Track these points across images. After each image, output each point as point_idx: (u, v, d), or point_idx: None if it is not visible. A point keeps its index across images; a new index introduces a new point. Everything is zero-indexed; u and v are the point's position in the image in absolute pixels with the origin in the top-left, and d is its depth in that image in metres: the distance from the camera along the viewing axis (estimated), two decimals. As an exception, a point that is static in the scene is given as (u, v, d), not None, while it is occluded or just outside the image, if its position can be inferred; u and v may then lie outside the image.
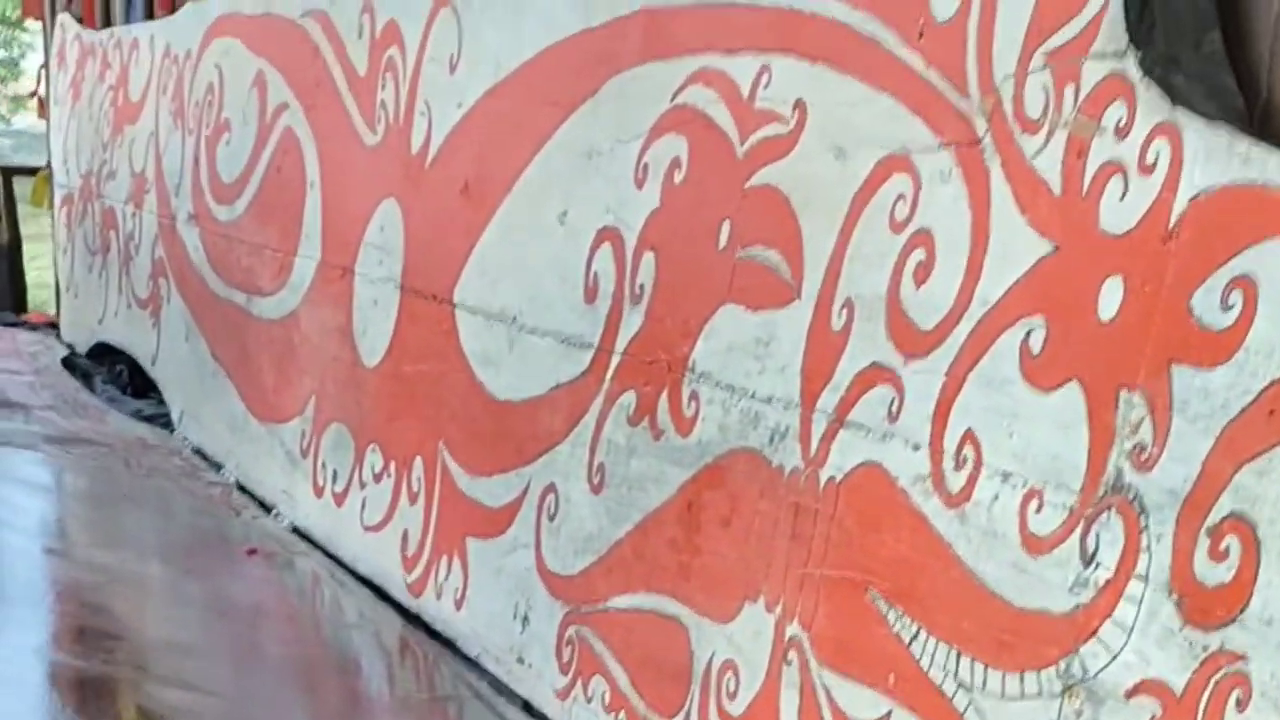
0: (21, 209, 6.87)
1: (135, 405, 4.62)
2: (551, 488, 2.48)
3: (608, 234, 2.37)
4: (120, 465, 3.81)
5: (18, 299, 6.72)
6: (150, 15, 5.15)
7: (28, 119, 20.11)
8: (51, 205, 6.26)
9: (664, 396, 2.22)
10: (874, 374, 1.82)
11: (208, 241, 4.10)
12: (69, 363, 5.19)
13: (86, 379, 5.05)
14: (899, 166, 1.81)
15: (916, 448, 1.74)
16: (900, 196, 1.80)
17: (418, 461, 2.94)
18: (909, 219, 1.79)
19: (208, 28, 4.23)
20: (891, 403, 1.78)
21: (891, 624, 1.76)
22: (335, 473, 3.29)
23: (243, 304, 3.83)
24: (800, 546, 1.92)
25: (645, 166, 2.29)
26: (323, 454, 3.37)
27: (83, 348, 5.34)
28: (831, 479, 1.86)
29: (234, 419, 3.90)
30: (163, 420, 4.41)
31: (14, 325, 5.81)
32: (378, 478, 3.11)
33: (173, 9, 4.87)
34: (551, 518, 2.48)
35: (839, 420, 1.86)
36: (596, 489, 2.36)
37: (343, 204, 3.32)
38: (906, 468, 1.75)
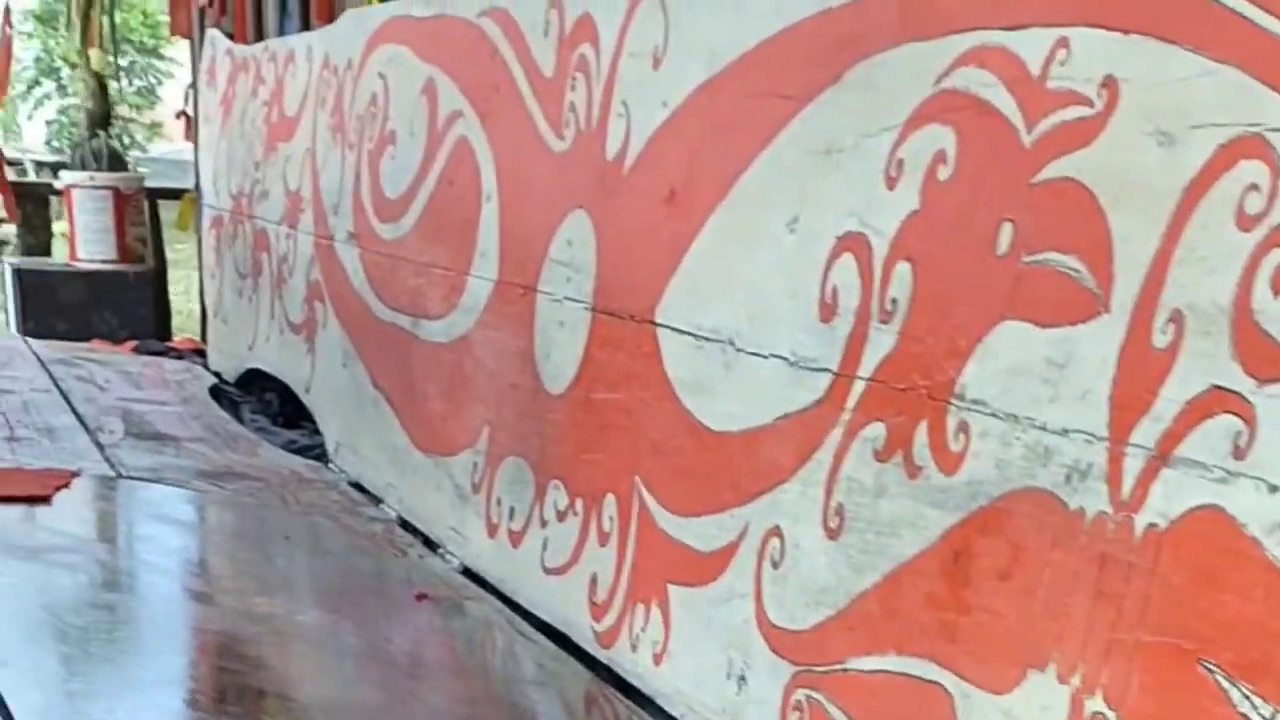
0: (166, 233, 6.67)
1: (287, 436, 4.37)
2: (776, 531, 2.18)
3: (850, 242, 2.07)
4: (276, 501, 3.55)
5: (162, 325, 6.53)
6: (306, 26, 4.92)
7: (165, 146, 20.26)
8: (198, 229, 6.06)
9: (922, 428, 1.91)
10: (1213, 400, 1.50)
11: (369, 262, 3.84)
12: (217, 392, 4.96)
13: (235, 408, 4.82)
14: (1249, 151, 1.49)
15: (1274, 489, 1.41)
16: (1252, 187, 1.48)
17: (610, 499, 2.65)
18: (1264, 214, 1.47)
19: (371, 35, 3.98)
20: (1238, 435, 1.46)
21: (1235, 703, 1.44)
22: (512, 510, 3.01)
23: (408, 328, 3.56)
24: (1108, 606, 1.61)
25: (900, 163, 1.99)
26: (497, 489, 3.09)
27: (231, 376, 5.11)
28: (1152, 526, 1.55)
29: (396, 451, 3.63)
30: (316, 452, 4.17)
31: (159, 353, 5.58)
32: (562, 516, 2.82)
33: (330, 18, 4.64)
34: (776, 565, 2.18)
35: (1163, 456, 1.55)
36: (833, 534, 2.05)
37: (524, 217, 3.04)
38: (1259, 513, 1.43)
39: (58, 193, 6.64)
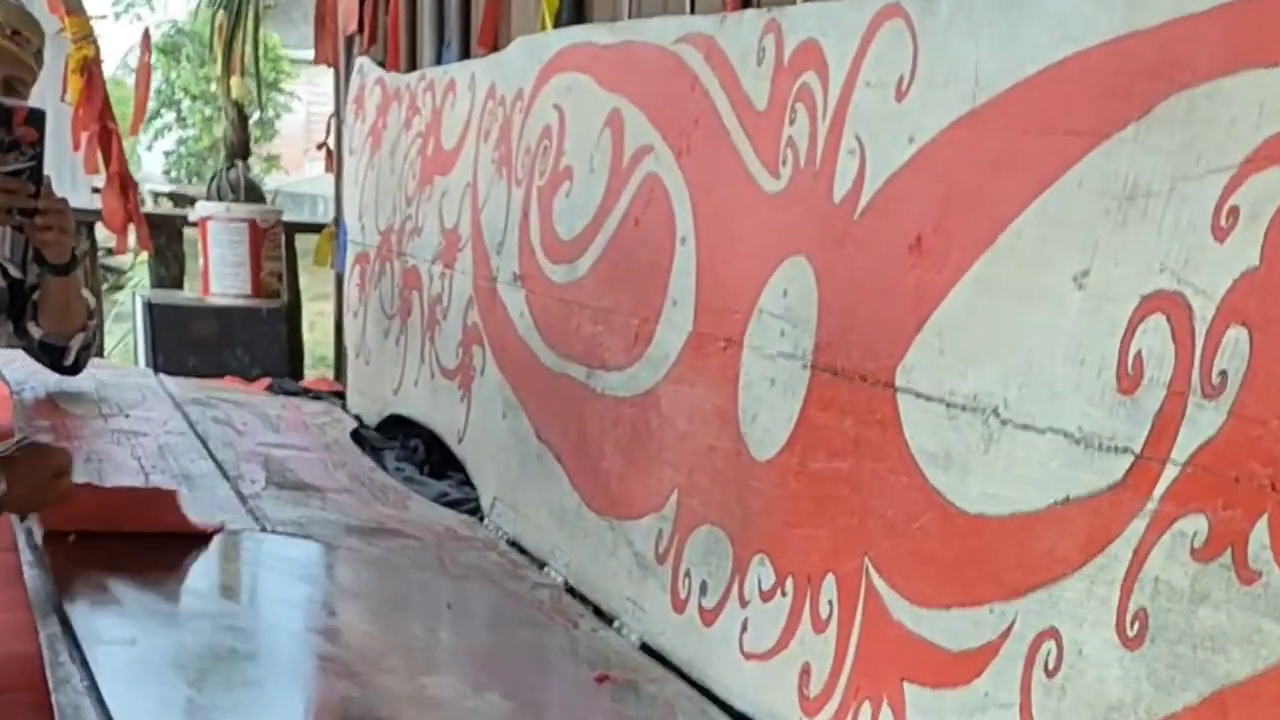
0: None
1: (437, 488, 4.10)
2: (1052, 633, 1.88)
3: (1161, 301, 1.77)
4: (432, 562, 3.27)
5: (294, 362, 6.30)
6: (466, 54, 4.67)
7: (281, 179, 20.26)
8: (336, 265, 5.83)
9: (1261, 525, 1.60)
10: None
11: (537, 306, 3.57)
12: (358, 436, 4.68)
13: (377, 455, 4.55)
14: None
15: None
16: None
17: (829, 580, 2.36)
18: None
19: (545, 63, 3.72)
20: None
21: None
22: (704, 584, 2.72)
23: (581, 379, 3.28)
24: None
25: (1232, 212, 1.68)
26: (687, 560, 2.80)
27: (372, 420, 4.85)
28: None
29: (564, 510, 3.35)
30: (469, 506, 3.89)
31: (295, 393, 5.32)
32: (767, 595, 2.53)
33: (494, 46, 4.39)
34: (1050, 673, 1.88)
35: None
36: (1132, 643, 1.75)
37: (728, 263, 2.76)
38: None
39: (191, 224, 6.43)
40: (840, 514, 2.36)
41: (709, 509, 2.74)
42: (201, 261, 6.25)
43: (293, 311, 6.41)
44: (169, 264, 6.70)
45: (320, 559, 3.21)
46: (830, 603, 2.36)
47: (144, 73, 6.36)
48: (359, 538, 3.40)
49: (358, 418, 4.96)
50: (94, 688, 2.23)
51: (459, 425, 4.06)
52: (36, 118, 3.62)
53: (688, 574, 2.80)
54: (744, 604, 2.60)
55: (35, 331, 4.05)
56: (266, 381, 5.69)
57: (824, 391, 2.42)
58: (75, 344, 4.11)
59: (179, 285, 6.76)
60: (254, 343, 6.16)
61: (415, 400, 4.49)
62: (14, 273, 4.07)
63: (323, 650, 2.69)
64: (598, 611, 3.17)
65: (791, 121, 2.61)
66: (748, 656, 2.58)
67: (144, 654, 2.47)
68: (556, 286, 3.48)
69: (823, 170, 2.50)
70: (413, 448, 4.52)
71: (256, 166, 21.40)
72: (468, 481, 4.15)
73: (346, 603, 3.01)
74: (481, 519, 3.82)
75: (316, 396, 5.31)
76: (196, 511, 3.25)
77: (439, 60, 4.93)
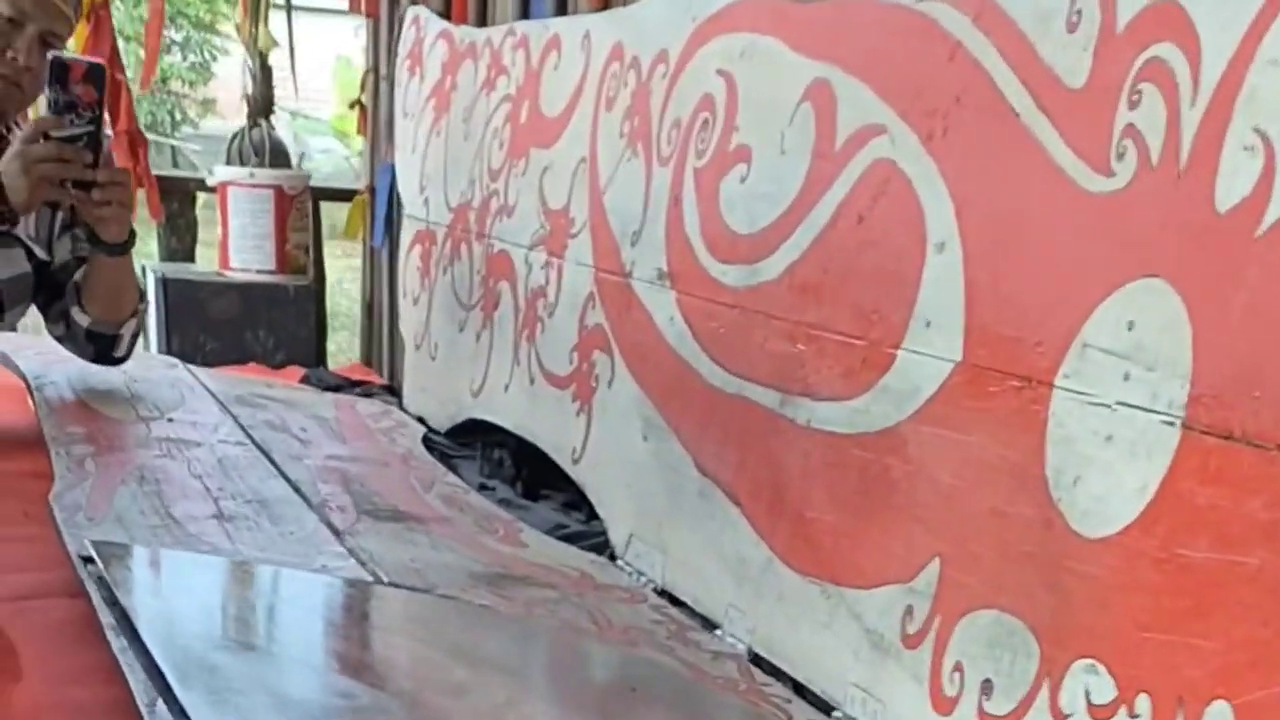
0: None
1: (545, 514, 3.51)
2: None
3: None
4: (586, 622, 2.68)
5: (321, 347, 5.67)
6: (563, 9, 4.05)
7: (218, 124, 19.58)
8: (372, 238, 5.21)
9: None
10: None
11: (697, 312, 2.98)
12: (427, 444, 4.07)
13: (448, 463, 3.95)
14: None
15: None
16: None
17: (1219, 709, 1.77)
18: None
19: (703, 20, 3.13)
20: None
21: None
22: (989, 683, 2.14)
23: (771, 406, 2.70)
24: None
25: None
26: (956, 650, 2.22)
27: (441, 423, 4.25)
28: None
29: (744, 563, 2.77)
30: (592, 541, 3.29)
31: (335, 387, 4.70)
32: (1102, 712, 1.98)
33: (605, 1, 3.77)
34: None
35: None
36: None
37: (1023, 280, 2.18)
38: None
39: (209, 189, 5.77)
40: (1243, 623, 1.77)
41: (996, 590, 2.17)
42: (220, 232, 5.59)
43: (320, 289, 5.76)
44: (180, 234, 6.04)
45: (455, 620, 2.60)
46: (1219, 736, 1.77)
47: (156, 18, 5.69)
48: (488, 588, 2.81)
49: (421, 420, 4.34)
50: None
51: (575, 443, 3.46)
52: (96, 74, 3.04)
53: (958, 668, 2.21)
54: (1060, 718, 2.02)
55: (82, 319, 3.45)
56: (299, 372, 5.07)
57: (1207, 459, 1.84)
58: (127, 331, 3.53)
59: (190, 258, 6.09)
60: (279, 324, 5.52)
61: (505, 407, 3.88)
62: (40, 254, 3.45)
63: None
64: (798, 688, 2.58)
65: (1134, 105, 2.02)
66: (1067, 784, 1.99)
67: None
68: (728, 290, 2.89)
69: (1195, 170, 1.91)
70: (497, 459, 3.93)
71: (192, 110, 20.68)
72: (573, 504, 3.56)
73: (507, 686, 2.40)
74: (612, 557, 3.21)
75: (368, 393, 4.68)
76: (287, 553, 2.68)
77: (526, 13, 4.29)
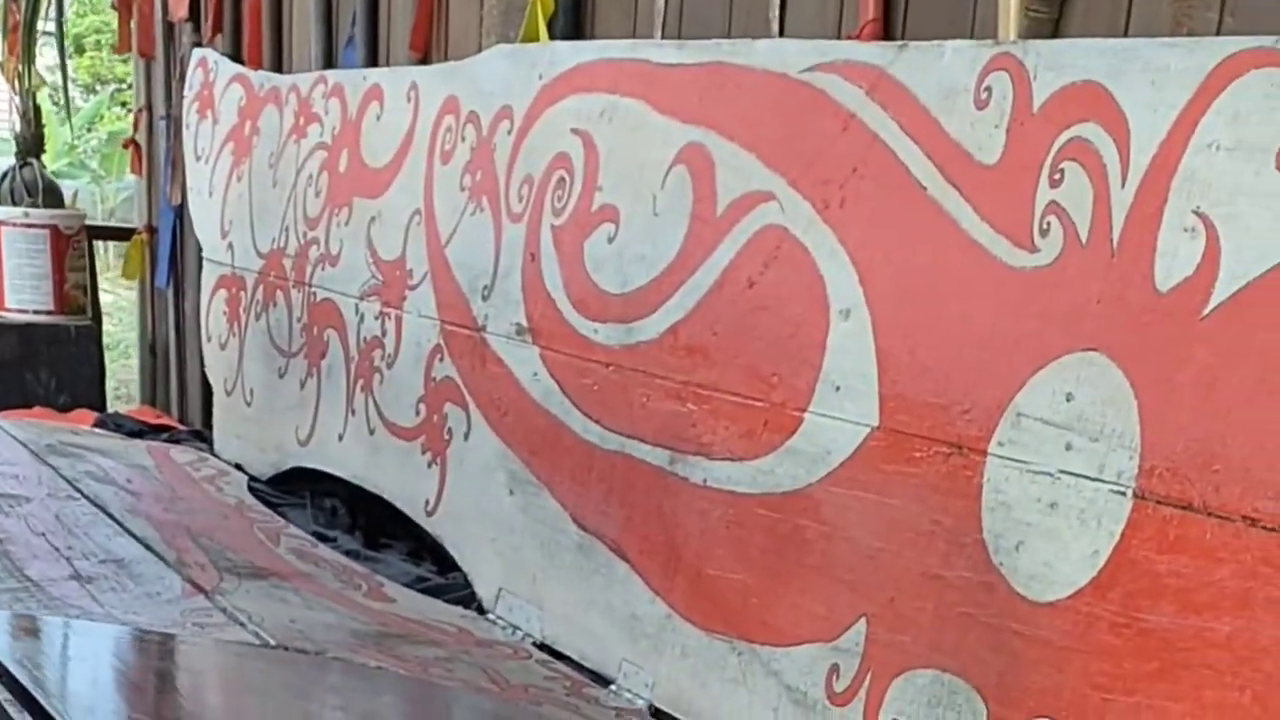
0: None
1: (399, 567, 3.49)
2: None
3: None
4: (484, 681, 2.72)
5: (99, 388, 5.53)
6: (374, 59, 4.02)
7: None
8: (156, 279, 5.10)
9: None
10: None
11: (566, 369, 3.01)
12: (252, 492, 4.02)
13: (276, 512, 3.90)
14: None
15: None
16: None
17: (1190, 767, 1.86)
18: None
19: (551, 80, 3.16)
20: None
21: None
22: (931, 743, 2.20)
23: (660, 463, 2.75)
24: None
25: None
26: (890, 707, 2.32)
27: (264, 471, 4.19)
28: None
29: (635, 617, 2.82)
30: (455, 595, 3.30)
31: (139, 434, 4.60)
32: (1059, 772, 2.02)
33: (426, 51, 3.76)
34: None
35: None
36: None
37: (941, 348, 2.27)
38: None
39: (-25, 230, 5.58)
40: (1213, 687, 1.88)
41: (933, 650, 2.24)
42: (-9, 272, 5.41)
43: (98, 331, 5.62)
44: (-51, 276, 5.81)
45: (363, 686, 2.60)
46: (1195, 798, 1.87)
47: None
48: (376, 648, 2.82)
49: (239, 467, 4.27)
50: None
51: (427, 495, 3.46)
52: None
53: (894, 726, 2.27)
54: (1014, 776, 2.10)
55: None
56: (89, 415, 4.94)
57: (1165, 528, 1.94)
58: None
59: (-40, 300, 5.87)
60: (60, 365, 5.36)
61: (341, 457, 3.85)
62: None
63: None
64: (711, 748, 2.63)
65: (1055, 183, 2.11)
66: (1024, 844, 2.07)
67: None
68: (600, 348, 2.92)
69: (1130, 249, 2.01)
70: (330, 509, 3.89)
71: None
72: (418, 553, 3.56)
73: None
74: (480, 610, 3.22)
75: (175, 439, 4.59)
76: (159, 616, 2.64)
77: (330, 61, 4.24)
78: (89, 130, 10.48)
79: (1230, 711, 1.86)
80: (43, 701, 2.07)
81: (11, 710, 2.10)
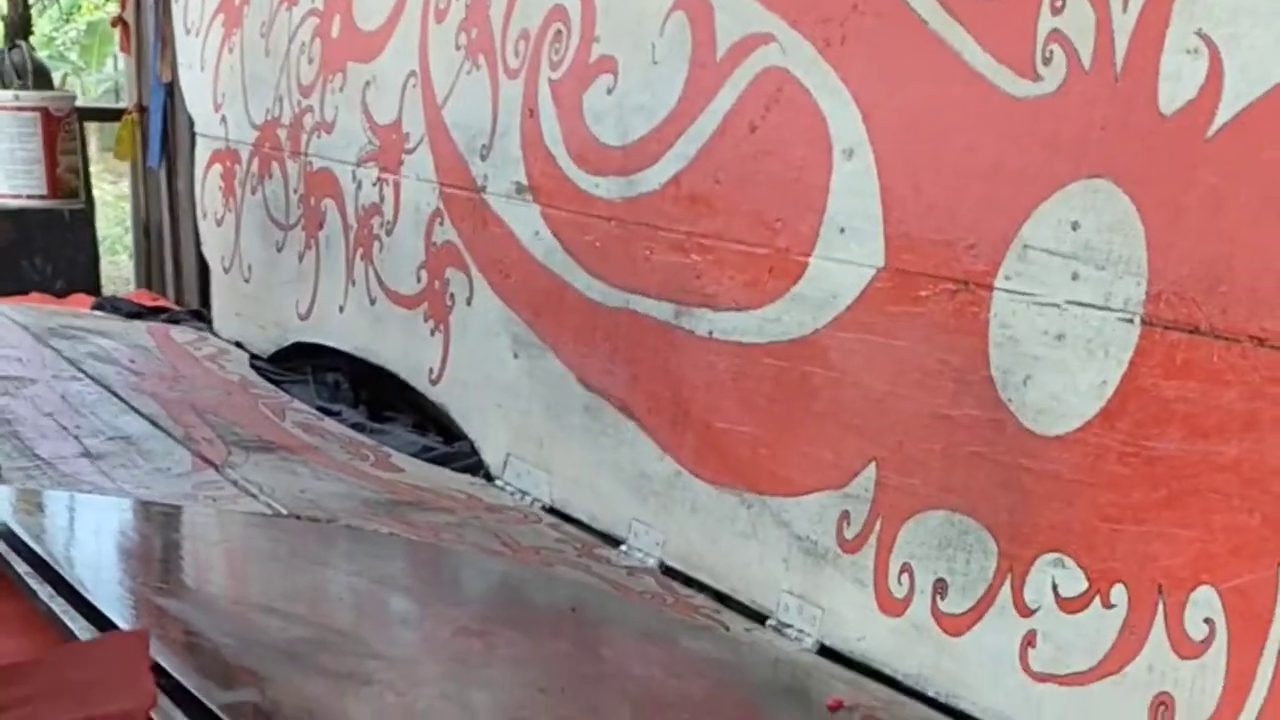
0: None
1: (404, 437, 3.46)
2: None
3: None
4: (495, 545, 2.68)
5: (95, 273, 5.49)
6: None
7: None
8: (148, 159, 5.04)
9: None
10: None
11: (567, 225, 2.97)
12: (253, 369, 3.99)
13: (279, 388, 3.87)
14: None
15: None
16: None
17: (1204, 594, 1.86)
18: None
19: (543, -69, 3.06)
20: None
21: None
22: (943, 582, 2.19)
23: (665, 318, 2.71)
24: None
25: None
26: (902, 552, 2.28)
27: (264, 348, 4.15)
28: None
29: (645, 477, 2.79)
30: (462, 462, 3.27)
31: (137, 315, 4.56)
32: (1072, 605, 2.04)
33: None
34: None
35: None
36: None
37: (947, 185, 2.22)
38: None
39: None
40: (1223, 511, 1.85)
41: (943, 491, 2.22)
42: (-15, 157, 5.36)
43: (91, 214, 5.57)
44: (-60, 163, 5.75)
45: (374, 551, 2.58)
46: (1209, 621, 1.85)
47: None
48: (387, 515, 2.80)
49: (239, 344, 4.24)
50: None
51: (431, 363, 3.43)
52: None
53: (906, 569, 2.26)
54: (1026, 613, 2.09)
55: None
56: (86, 300, 4.91)
57: (1173, 354, 1.91)
58: None
59: (-48, 186, 5.81)
60: (55, 250, 5.33)
61: (342, 329, 3.83)
62: None
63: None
64: (721, 598, 2.62)
65: (1057, 10, 2.06)
66: (1039, 678, 2.06)
67: None
68: (602, 202, 2.88)
69: (1133, 74, 1.96)
70: (333, 383, 3.86)
71: None
72: (423, 424, 3.53)
73: (453, 615, 2.38)
74: (488, 477, 3.20)
75: (174, 319, 4.56)
76: (172, 489, 2.62)
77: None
78: (67, 21, 10.33)
79: (1239, 534, 1.84)
80: (65, 574, 2.05)
81: (33, 583, 2.08)
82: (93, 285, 5.39)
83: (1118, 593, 1.97)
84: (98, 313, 4.60)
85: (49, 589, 2.07)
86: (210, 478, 2.84)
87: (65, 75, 6.30)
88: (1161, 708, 1.92)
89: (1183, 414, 1.90)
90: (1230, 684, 1.84)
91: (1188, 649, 1.89)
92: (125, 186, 6.29)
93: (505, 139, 3.13)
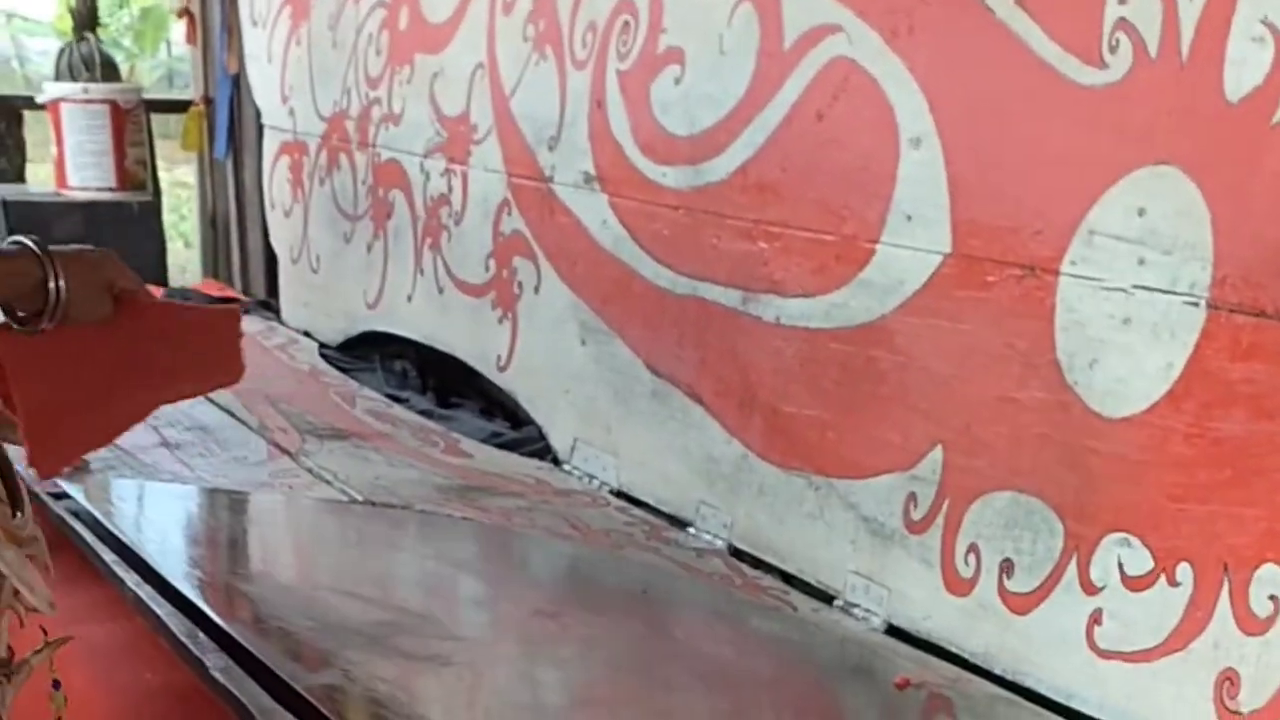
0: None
1: (473, 424, 3.51)
2: None
3: None
4: (565, 528, 2.74)
5: (161, 266, 5.56)
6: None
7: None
8: (215, 150, 5.11)
9: None
10: None
11: (635, 214, 3.01)
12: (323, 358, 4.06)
13: (347, 377, 3.93)
14: None
15: None
16: None
17: (1269, 571, 1.87)
18: None
19: (613, -78, 3.11)
20: None
21: None
22: (1009, 562, 2.23)
23: (733, 304, 2.76)
24: None
25: None
26: (969, 532, 2.32)
27: (333, 337, 4.22)
28: None
29: (713, 460, 2.83)
30: (531, 448, 3.32)
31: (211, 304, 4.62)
32: (1137, 583, 2.08)
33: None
34: None
35: None
36: None
37: (1014, 173, 2.25)
38: None
39: (39, 106, 5.59)
40: None
41: (1010, 473, 2.26)
42: (55, 150, 5.43)
43: (158, 205, 5.64)
44: (10, 154, 5.84)
45: (450, 536, 2.64)
46: (1273, 598, 1.89)
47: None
48: (460, 500, 2.86)
49: (307, 334, 4.31)
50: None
51: (499, 351, 3.49)
52: None
53: (973, 549, 2.30)
54: (1092, 591, 2.13)
55: None
56: (158, 291, 4.95)
57: (1238, 336, 1.94)
58: None
59: (21, 178, 5.90)
60: (124, 242, 5.37)
61: (410, 318, 3.88)
62: None
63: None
64: (787, 579, 2.66)
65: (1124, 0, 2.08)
66: (1105, 654, 2.11)
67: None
68: (670, 191, 2.92)
69: (1199, 62, 1.99)
70: (400, 371, 3.92)
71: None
72: (490, 410, 3.58)
73: (527, 597, 2.44)
74: (555, 461, 3.25)
75: (245, 309, 4.62)
76: (247, 475, 2.68)
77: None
78: (121, 7, 10.40)
79: (1306, 514, 1.87)
80: (149, 561, 2.12)
81: (120, 570, 2.14)
82: (160, 276, 5.46)
83: (1183, 571, 2.01)
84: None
85: (135, 576, 2.13)
86: (286, 465, 2.90)
87: (131, 65, 6.35)
88: (1227, 683, 1.94)
89: (1248, 395, 1.93)
90: (1298, 657, 1.87)
91: (1253, 626, 1.92)
92: (180, 174, 6.36)
93: (573, 129, 3.18)
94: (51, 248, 1.42)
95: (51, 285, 1.40)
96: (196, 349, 1.81)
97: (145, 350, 1.70)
